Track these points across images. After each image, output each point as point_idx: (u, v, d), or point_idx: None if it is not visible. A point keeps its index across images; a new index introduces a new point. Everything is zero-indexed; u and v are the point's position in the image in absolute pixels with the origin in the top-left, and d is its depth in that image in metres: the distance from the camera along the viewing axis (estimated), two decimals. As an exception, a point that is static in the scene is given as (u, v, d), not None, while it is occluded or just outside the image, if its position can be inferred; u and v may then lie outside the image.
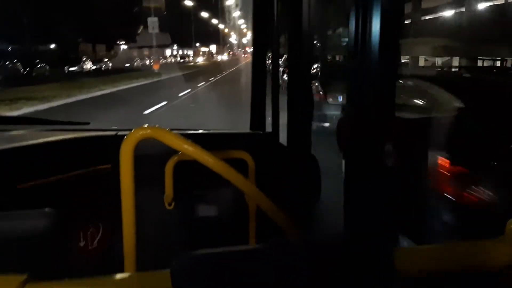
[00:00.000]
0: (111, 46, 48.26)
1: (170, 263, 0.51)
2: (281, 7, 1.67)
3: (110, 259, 0.92)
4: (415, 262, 0.60)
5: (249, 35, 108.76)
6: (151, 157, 1.28)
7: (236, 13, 79.03)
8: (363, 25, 0.89)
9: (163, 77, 23.72)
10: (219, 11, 78.45)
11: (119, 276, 0.57)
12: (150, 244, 1.21)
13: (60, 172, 1.54)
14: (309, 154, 1.53)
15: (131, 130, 1.03)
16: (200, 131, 1.97)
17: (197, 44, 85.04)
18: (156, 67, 29.27)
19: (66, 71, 30.95)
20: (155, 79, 22.95)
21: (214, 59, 75.59)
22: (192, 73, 28.51)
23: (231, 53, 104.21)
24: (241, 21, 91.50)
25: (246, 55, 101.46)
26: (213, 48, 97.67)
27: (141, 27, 41.51)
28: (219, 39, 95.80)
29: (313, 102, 1.61)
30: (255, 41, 1.94)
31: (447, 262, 0.61)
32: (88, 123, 2.13)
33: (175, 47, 75.75)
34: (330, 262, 0.52)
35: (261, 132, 1.95)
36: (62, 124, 2.02)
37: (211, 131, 2.00)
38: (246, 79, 18.33)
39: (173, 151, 1.10)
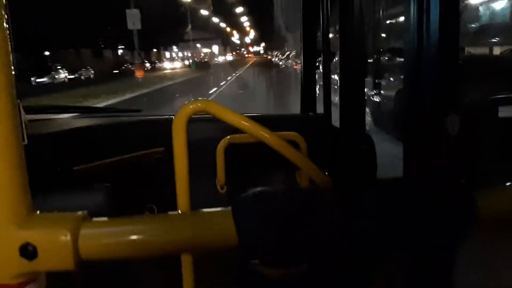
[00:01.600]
0: (99, 51, 42.55)
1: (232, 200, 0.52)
2: None
3: None
4: (497, 203, 0.58)
5: (252, 33, 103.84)
6: (201, 141, 1.27)
7: (239, 9, 72.97)
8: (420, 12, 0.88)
9: (145, 89, 19.77)
10: (221, 8, 72.45)
11: (177, 213, 0.60)
12: None
13: (114, 155, 1.58)
14: (364, 134, 1.53)
15: None
16: (250, 114, 2.00)
17: (198, 45, 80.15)
18: (139, 75, 23.63)
19: (34, 83, 26.14)
20: (136, 93, 18.56)
21: (213, 60, 70.96)
22: (185, 82, 24.41)
23: (234, 53, 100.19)
24: (243, 18, 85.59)
25: (249, 55, 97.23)
26: (215, 48, 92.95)
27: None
28: (222, 39, 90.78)
29: (365, 82, 1.56)
30: (304, 22, 1.91)
31: None
32: (140, 110, 2.22)
33: (175, 48, 70.07)
34: (406, 201, 0.51)
35: (312, 114, 1.95)
36: (115, 111, 2.21)
37: (261, 114, 2.12)
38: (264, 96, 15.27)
39: (223, 134, 1.15)
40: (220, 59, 78.58)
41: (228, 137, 1.39)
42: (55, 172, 1.45)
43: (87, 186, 1.28)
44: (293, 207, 0.51)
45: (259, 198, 0.53)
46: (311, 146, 1.47)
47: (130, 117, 1.98)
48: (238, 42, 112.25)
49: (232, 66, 44.80)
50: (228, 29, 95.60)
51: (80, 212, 0.54)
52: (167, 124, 1.16)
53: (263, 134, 1.04)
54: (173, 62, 53.16)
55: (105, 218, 0.55)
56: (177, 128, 0.97)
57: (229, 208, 0.53)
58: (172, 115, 1.75)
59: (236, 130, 1.03)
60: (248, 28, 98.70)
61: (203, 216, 0.58)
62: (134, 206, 1.56)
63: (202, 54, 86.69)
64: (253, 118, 1.62)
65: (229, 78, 25.60)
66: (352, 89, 1.46)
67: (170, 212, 0.57)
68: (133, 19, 22.72)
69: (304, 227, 0.51)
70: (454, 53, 0.89)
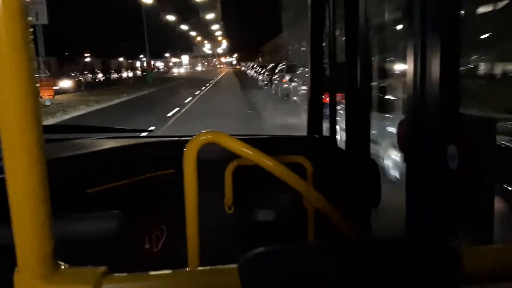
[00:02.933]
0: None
1: (237, 260, 0.54)
2: (337, 11, 1.66)
3: (174, 261, 0.89)
4: (483, 262, 0.60)
5: (224, 44, 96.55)
6: (211, 162, 1.30)
7: (210, 16, 65.20)
8: (423, 27, 0.91)
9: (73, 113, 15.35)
10: (190, 14, 64.52)
11: (189, 270, 0.62)
12: (211, 247, 1.21)
13: (126, 176, 1.61)
14: (368, 157, 1.54)
15: (192, 136, 1.10)
16: (258, 136, 2.12)
17: (167, 55, 72.11)
18: (46, 95, 15.47)
19: None
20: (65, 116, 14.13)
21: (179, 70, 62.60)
22: (143, 98, 20.42)
23: (205, 63, 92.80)
24: (215, 27, 78.04)
25: (221, 66, 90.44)
26: (185, 58, 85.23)
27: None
28: (191, 48, 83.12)
29: (371, 105, 1.58)
30: (312, 45, 1.92)
31: None
32: (151, 130, 2.57)
33: (143, 58, 61.79)
34: (396, 262, 0.54)
35: (318, 136, 1.96)
36: (127, 131, 2.29)
37: (269, 136, 2.19)
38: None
39: (232, 156, 1.19)
40: (179, 70, 70.74)
41: (237, 160, 1.42)
42: (69, 195, 1.45)
43: (100, 212, 1.32)
44: (299, 267, 0.52)
45: (265, 257, 0.53)
46: (317, 169, 1.50)
47: (141, 138, 2.14)
48: (209, 52, 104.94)
49: (201, 78, 36.57)
50: (198, 38, 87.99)
51: (101, 268, 0.56)
52: (178, 145, 1.32)
53: (269, 164, 1.08)
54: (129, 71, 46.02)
55: (125, 274, 0.57)
56: (187, 157, 1.05)
57: (236, 266, 0.54)
58: (183, 136, 1.87)
59: None
60: (220, 38, 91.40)
61: (212, 274, 0.59)
62: (145, 227, 1.62)
63: (171, 64, 78.92)
64: (261, 140, 2.00)
65: (189, 99, 18.40)
66: (358, 113, 1.49)
67: (180, 270, 0.59)
68: (37, 9, 14.46)
69: None
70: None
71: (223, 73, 54.05)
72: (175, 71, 66.28)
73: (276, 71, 20.13)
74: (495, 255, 0.61)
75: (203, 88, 25.58)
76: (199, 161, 1.06)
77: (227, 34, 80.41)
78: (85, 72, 40.02)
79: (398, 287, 0.53)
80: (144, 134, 2.25)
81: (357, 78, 1.46)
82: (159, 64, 76.91)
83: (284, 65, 19.61)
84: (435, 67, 0.90)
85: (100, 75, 42.60)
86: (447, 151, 0.92)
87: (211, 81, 33.26)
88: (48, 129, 1.90)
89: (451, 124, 0.92)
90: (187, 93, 21.16)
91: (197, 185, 1.06)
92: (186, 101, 17.52)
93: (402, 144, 1.15)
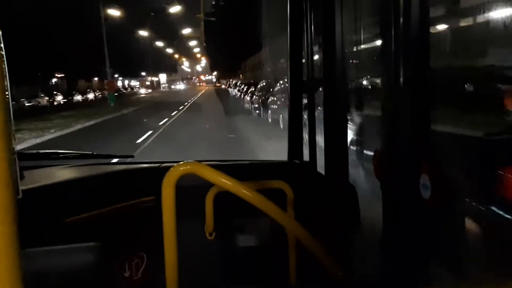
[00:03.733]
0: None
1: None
2: (315, 33, 1.69)
3: None
4: None
5: (203, 61, 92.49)
6: (192, 188, 1.29)
7: (186, 31, 60.67)
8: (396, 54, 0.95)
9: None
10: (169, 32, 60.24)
11: None
12: (192, 274, 1.19)
13: (106, 204, 1.58)
14: (347, 182, 1.57)
15: (173, 162, 1.13)
16: (239, 162, 2.07)
17: (143, 73, 67.53)
18: None
19: None
20: None
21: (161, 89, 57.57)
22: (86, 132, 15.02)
23: (184, 81, 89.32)
24: (193, 43, 73.90)
25: (201, 84, 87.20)
26: (162, 77, 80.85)
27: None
28: (169, 66, 78.96)
29: (347, 131, 1.60)
30: (291, 70, 1.93)
31: None
32: (132, 156, 2.31)
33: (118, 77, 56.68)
34: None
35: (298, 162, 1.96)
36: (106, 157, 2.21)
37: (249, 162, 2.15)
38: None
39: (212, 183, 1.16)
40: (162, 87, 65.94)
41: (217, 186, 1.39)
42: (46, 225, 1.42)
43: (79, 243, 1.27)
44: None
45: None
46: (298, 194, 1.49)
47: (121, 165, 2.09)
48: (189, 70, 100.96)
49: (175, 101, 30.83)
50: (176, 56, 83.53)
51: None
52: (159, 172, 1.22)
53: (248, 194, 1.09)
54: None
55: None
56: (166, 187, 1.07)
57: None
58: (164, 162, 1.84)
59: None
60: (199, 55, 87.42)
61: None
62: (125, 255, 1.59)
63: (148, 83, 74.13)
64: (241, 166, 1.98)
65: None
66: (336, 139, 1.51)
67: None
68: None
69: None
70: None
71: (202, 91, 49.09)
72: (142, 92, 60.11)
73: (275, 90, 13.89)
74: None
75: (175, 112, 20.01)
76: (180, 188, 1.08)
77: (206, 51, 76.33)
78: (41, 95, 34.85)
79: None
80: (124, 160, 2.21)
81: (335, 105, 1.50)
82: (135, 84, 72.34)
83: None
84: (406, 102, 0.94)
85: (59, 97, 37.41)
86: (420, 180, 0.96)
87: (185, 104, 26.75)
88: (23, 156, 1.89)
89: (424, 155, 0.95)
90: (151, 122, 15.69)
91: (176, 214, 1.08)
92: (141, 139, 11.33)
93: (377, 173, 1.15)
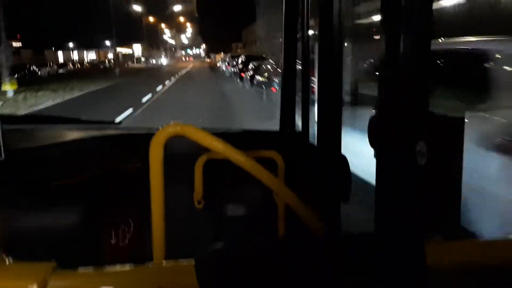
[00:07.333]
0: None
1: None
2: (311, 4, 1.67)
3: (140, 257, 0.93)
4: (447, 256, 0.62)
5: (189, 30, 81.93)
6: (180, 156, 1.27)
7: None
8: (395, 23, 0.92)
9: None
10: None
11: (140, 266, 0.60)
12: (179, 242, 1.19)
13: (92, 169, 1.56)
14: (339, 153, 1.54)
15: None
16: (230, 131, 2.04)
17: (108, 43, 56.56)
18: None
19: None
20: None
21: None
22: None
23: (166, 55, 77.35)
24: (177, 7, 63.05)
25: (188, 59, 76.83)
26: (137, 49, 69.39)
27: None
28: (143, 34, 67.54)
29: (343, 100, 1.58)
30: (285, 39, 1.89)
31: (483, 257, 0.63)
32: (120, 123, 2.36)
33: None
34: (359, 257, 0.55)
35: (291, 131, 1.96)
36: (92, 123, 2.15)
37: (240, 130, 2.06)
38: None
39: (202, 150, 1.17)
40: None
41: (207, 154, 1.40)
42: (32, 188, 1.40)
43: (65, 206, 1.27)
44: (255, 266, 0.52)
45: (221, 254, 0.54)
46: (289, 164, 1.50)
47: (108, 130, 1.98)
48: (172, 42, 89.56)
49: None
50: (151, 19, 71.86)
51: (50, 263, 0.54)
52: (147, 138, 1.16)
53: (239, 158, 1.05)
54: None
55: (74, 270, 0.55)
56: (154, 149, 1.02)
57: (193, 261, 0.54)
58: (151, 128, 1.74)
59: None
60: (184, 21, 76.32)
61: (168, 269, 0.58)
62: (111, 221, 1.57)
63: (111, 56, 60.67)
64: (232, 135, 1.89)
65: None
66: (330, 108, 1.47)
67: (135, 265, 0.58)
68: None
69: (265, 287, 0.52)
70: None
71: (184, 71, 39.21)
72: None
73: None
74: (459, 250, 0.63)
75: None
76: (168, 155, 1.04)
77: (192, 18, 65.68)
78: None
79: (362, 281, 0.53)
80: (112, 125, 2.16)
81: (329, 73, 1.46)
82: (92, 57, 61.42)
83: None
84: (406, 66, 0.93)
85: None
86: (416, 147, 0.95)
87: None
88: (9, 119, 1.82)
89: (421, 121, 0.95)
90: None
91: (164, 179, 1.04)
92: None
93: (372, 140, 1.17)
